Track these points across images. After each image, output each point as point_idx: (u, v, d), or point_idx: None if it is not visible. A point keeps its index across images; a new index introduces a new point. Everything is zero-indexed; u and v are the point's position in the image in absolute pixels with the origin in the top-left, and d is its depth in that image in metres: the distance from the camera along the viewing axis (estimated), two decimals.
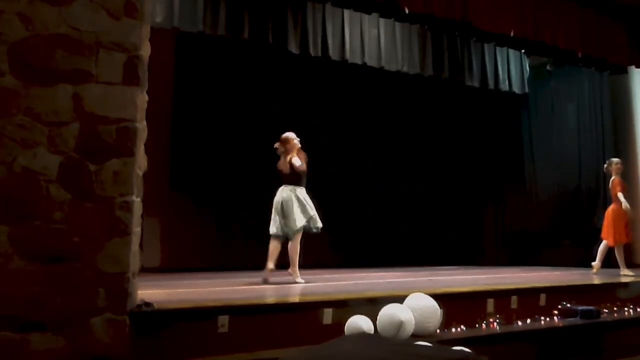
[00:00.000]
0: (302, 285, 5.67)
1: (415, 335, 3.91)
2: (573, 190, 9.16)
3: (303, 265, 6.02)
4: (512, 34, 6.74)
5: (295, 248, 5.87)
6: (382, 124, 9.93)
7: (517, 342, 4.46)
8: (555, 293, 5.22)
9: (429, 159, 10.36)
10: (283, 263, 5.98)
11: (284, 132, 6.11)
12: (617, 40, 7.52)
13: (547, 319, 4.92)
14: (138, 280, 3.57)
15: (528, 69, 9.56)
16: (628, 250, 7.56)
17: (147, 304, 3.51)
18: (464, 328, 4.40)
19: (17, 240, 3.23)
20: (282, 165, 5.99)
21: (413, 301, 4.12)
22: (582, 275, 6.94)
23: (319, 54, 7.52)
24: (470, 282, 6.04)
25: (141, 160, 3.61)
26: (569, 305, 5.10)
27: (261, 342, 3.65)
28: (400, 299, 4.15)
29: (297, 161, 5.90)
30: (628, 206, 7.12)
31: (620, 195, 7.14)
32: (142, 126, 3.58)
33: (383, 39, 8.02)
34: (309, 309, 4.05)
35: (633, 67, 8.08)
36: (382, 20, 7.85)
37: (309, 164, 6.07)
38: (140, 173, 3.61)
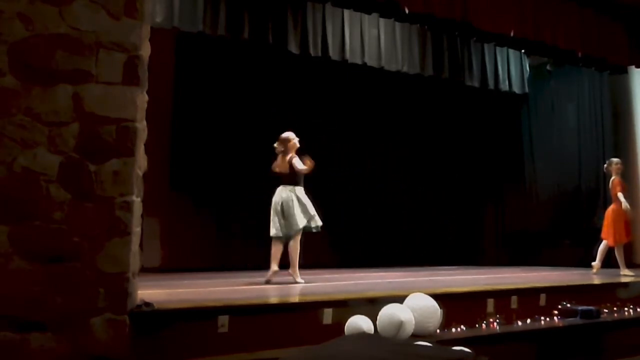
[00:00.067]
0: (302, 285, 5.67)
1: (415, 335, 3.91)
2: (573, 190, 9.16)
3: (303, 265, 6.02)
4: (512, 34, 6.73)
5: (295, 248, 5.86)
6: (382, 124, 9.93)
7: (517, 342, 4.46)
8: (555, 293, 5.22)
9: (429, 159, 10.36)
10: (283, 263, 5.97)
11: (284, 132, 6.11)
12: (617, 40, 7.52)
13: (547, 319, 4.92)
14: (138, 280, 3.57)
15: (528, 69, 9.56)
16: (628, 250, 7.55)
17: (147, 304, 3.51)
18: (464, 328, 4.40)
19: (17, 240, 3.23)
20: (281, 165, 5.97)
21: (413, 301, 4.12)
22: (582, 275, 6.94)
23: (319, 54, 7.52)
24: (470, 282, 6.04)
25: (141, 160, 3.61)
26: (569, 305, 5.10)
27: (261, 342, 3.65)
28: (400, 299, 4.15)
29: (299, 163, 5.88)
30: (628, 206, 7.12)
31: (620, 195, 7.14)
32: (142, 126, 3.58)
33: (383, 39, 8.02)
34: (309, 309, 4.05)
35: (633, 67, 8.08)
36: (382, 20, 7.84)
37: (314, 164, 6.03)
38: (140, 173, 3.61)
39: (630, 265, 7.31)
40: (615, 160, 7.45)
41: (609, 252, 7.31)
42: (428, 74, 8.44)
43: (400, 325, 3.85)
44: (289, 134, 6.05)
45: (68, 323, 3.23)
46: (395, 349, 2.16)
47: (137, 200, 3.53)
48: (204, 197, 8.38)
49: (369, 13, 7.19)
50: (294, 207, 5.81)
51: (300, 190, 5.92)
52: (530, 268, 8.32)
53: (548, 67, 9.26)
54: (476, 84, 8.88)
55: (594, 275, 7.03)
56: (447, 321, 4.31)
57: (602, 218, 7.44)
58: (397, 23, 7.85)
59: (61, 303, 3.24)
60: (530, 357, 4.44)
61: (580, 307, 5.05)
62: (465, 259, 9.74)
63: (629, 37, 7.62)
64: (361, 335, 3.32)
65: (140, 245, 3.65)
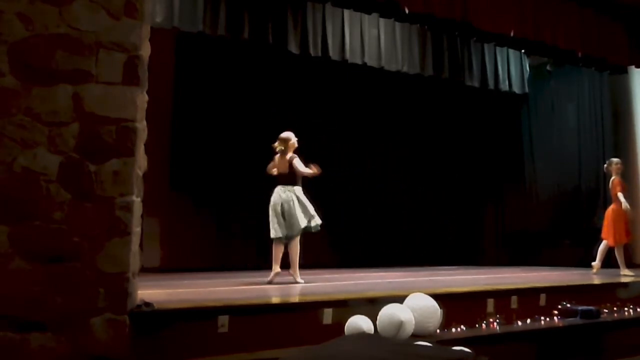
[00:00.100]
0: (302, 285, 5.67)
1: (415, 335, 3.91)
2: (573, 190, 9.15)
3: (303, 265, 6.01)
4: (512, 34, 6.73)
5: (296, 248, 5.86)
6: (382, 124, 9.93)
7: (517, 342, 4.46)
8: (555, 293, 5.22)
9: (429, 159, 10.36)
10: (283, 264, 5.96)
11: (283, 132, 6.09)
12: (617, 40, 7.52)
13: (547, 319, 4.92)
14: (138, 280, 3.57)
15: (528, 69, 9.56)
16: (628, 250, 7.56)
17: (147, 304, 3.51)
18: (464, 328, 4.40)
19: (17, 240, 3.23)
20: (280, 165, 5.94)
21: (413, 301, 4.12)
22: (582, 275, 6.94)
23: (319, 54, 7.52)
24: (470, 282, 6.04)
25: (141, 160, 3.61)
26: (569, 305, 5.10)
27: (261, 342, 3.65)
28: (400, 299, 4.15)
29: (300, 164, 5.86)
30: (628, 206, 7.12)
31: (620, 195, 7.14)
32: (142, 126, 3.58)
33: (383, 39, 8.01)
34: (309, 309, 4.04)
35: (633, 67, 8.08)
36: (382, 20, 7.84)
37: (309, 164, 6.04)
38: (140, 173, 3.61)
39: (630, 265, 7.31)
40: (615, 160, 7.45)
41: (609, 252, 7.30)
42: (428, 74, 8.44)
43: (400, 325, 3.85)
44: (289, 134, 6.04)
45: (68, 323, 3.23)
46: (395, 349, 2.16)
47: (137, 200, 3.53)
48: (204, 197, 8.38)
49: (369, 13, 7.19)
50: (295, 207, 5.80)
51: (299, 190, 5.91)
52: (530, 268, 8.32)
53: (548, 67, 9.26)
54: (476, 84, 8.88)
55: (594, 275, 7.03)
56: (447, 321, 4.31)
57: (602, 218, 7.44)
58: (397, 23, 7.85)
59: (61, 303, 3.24)
60: (530, 357, 4.44)
61: (580, 307, 5.05)
62: (465, 259, 9.74)
63: (629, 37, 7.62)
64: (361, 335, 3.32)
65: (140, 245, 3.65)
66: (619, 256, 7.17)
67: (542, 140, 9.73)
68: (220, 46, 7.84)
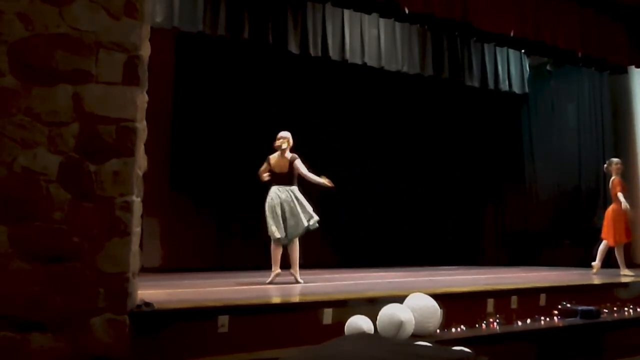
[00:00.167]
0: (302, 285, 5.67)
1: (415, 335, 3.91)
2: (573, 190, 9.15)
3: (303, 265, 6.02)
4: (512, 34, 6.73)
5: (296, 248, 5.86)
6: (382, 124, 9.93)
7: (517, 342, 4.46)
8: (555, 293, 5.22)
9: (429, 159, 10.36)
10: (283, 264, 5.96)
11: (282, 132, 6.06)
12: (617, 40, 7.51)
13: (547, 319, 4.92)
14: (138, 280, 3.57)
15: (528, 69, 9.56)
16: (628, 250, 7.55)
17: (147, 304, 3.51)
18: (464, 328, 4.40)
19: (17, 240, 3.23)
20: (280, 165, 5.91)
21: (413, 301, 4.12)
22: (582, 275, 6.94)
23: (319, 54, 7.51)
24: (470, 282, 6.04)
25: (141, 160, 3.61)
26: (569, 305, 5.10)
27: (261, 342, 3.65)
28: (400, 299, 4.15)
29: (302, 166, 5.86)
30: (628, 206, 7.12)
31: (620, 195, 7.13)
32: (142, 126, 3.58)
33: (383, 39, 8.01)
34: (309, 309, 4.05)
35: (633, 67, 8.08)
36: (382, 20, 7.84)
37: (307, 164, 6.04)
38: (140, 173, 3.61)
39: (630, 265, 7.30)
40: (615, 160, 7.45)
41: (609, 252, 7.30)
42: (428, 74, 8.44)
43: (400, 325, 3.85)
44: (288, 133, 6.03)
45: (68, 323, 3.23)
46: (395, 349, 2.16)
47: (137, 200, 3.53)
48: (204, 197, 8.39)
49: (369, 13, 7.19)
50: (296, 207, 5.80)
51: (296, 190, 5.90)
52: (530, 268, 8.32)
53: (548, 67, 9.25)
54: (476, 84, 8.88)
55: (594, 275, 7.03)
56: (447, 321, 4.31)
57: (602, 218, 7.44)
58: (397, 23, 7.84)
59: (61, 303, 3.24)
60: (530, 357, 4.44)
61: (580, 307, 5.05)
62: (465, 259, 9.74)
63: (629, 37, 7.62)
64: (361, 335, 3.32)
65: (140, 245, 3.65)
66: (619, 256, 7.17)
67: (542, 140, 9.73)
68: (220, 46, 7.84)
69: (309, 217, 5.84)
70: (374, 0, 6.31)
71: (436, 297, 4.22)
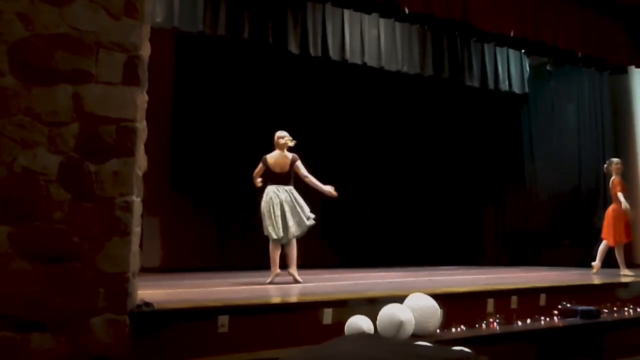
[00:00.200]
0: (302, 285, 5.66)
1: (415, 335, 3.91)
2: (573, 190, 9.15)
3: (303, 265, 6.02)
4: (512, 34, 6.73)
5: (294, 248, 5.85)
6: (382, 124, 9.93)
7: (517, 342, 4.46)
8: (555, 293, 5.22)
9: (429, 159, 10.36)
10: (282, 264, 5.96)
11: (278, 131, 6.04)
12: (617, 40, 7.51)
13: (547, 319, 4.92)
14: (138, 280, 3.57)
15: (528, 69, 9.56)
16: (628, 250, 7.55)
17: (147, 304, 3.51)
18: (464, 328, 4.40)
19: (17, 240, 3.23)
20: (280, 164, 5.89)
21: (413, 301, 4.12)
22: (582, 275, 6.94)
23: (319, 54, 7.51)
24: (470, 282, 6.04)
25: (141, 160, 3.61)
26: (569, 305, 5.10)
27: (261, 342, 3.65)
28: (400, 299, 4.15)
29: (304, 169, 5.87)
30: (628, 206, 7.11)
31: (620, 195, 7.13)
32: (142, 126, 3.58)
33: (383, 39, 8.01)
34: (309, 309, 4.04)
35: (633, 67, 8.08)
36: (382, 20, 7.84)
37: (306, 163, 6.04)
38: (140, 173, 3.61)
39: (630, 265, 7.30)
40: (615, 160, 7.45)
41: (609, 252, 7.30)
42: (428, 74, 8.44)
43: (400, 325, 3.85)
44: (286, 132, 6.03)
45: (68, 323, 3.23)
46: (395, 349, 2.16)
47: (137, 200, 3.53)
48: (204, 197, 8.39)
49: (369, 13, 7.19)
50: (297, 207, 5.79)
51: (294, 190, 5.90)
52: (530, 268, 8.32)
53: (548, 67, 9.25)
54: (476, 84, 8.88)
55: (594, 275, 7.03)
56: (447, 321, 4.31)
57: (602, 218, 7.44)
58: (397, 23, 7.84)
59: (61, 303, 3.24)
60: (530, 357, 4.44)
61: (580, 307, 5.05)
62: (465, 259, 9.74)
63: (629, 37, 7.62)
64: (361, 335, 3.32)
65: (140, 245, 3.65)
66: (619, 256, 7.17)
67: (542, 140, 9.73)
68: (220, 46, 7.84)
69: (307, 217, 5.84)
70: (374, 0, 6.31)
71: (436, 297, 4.22)
